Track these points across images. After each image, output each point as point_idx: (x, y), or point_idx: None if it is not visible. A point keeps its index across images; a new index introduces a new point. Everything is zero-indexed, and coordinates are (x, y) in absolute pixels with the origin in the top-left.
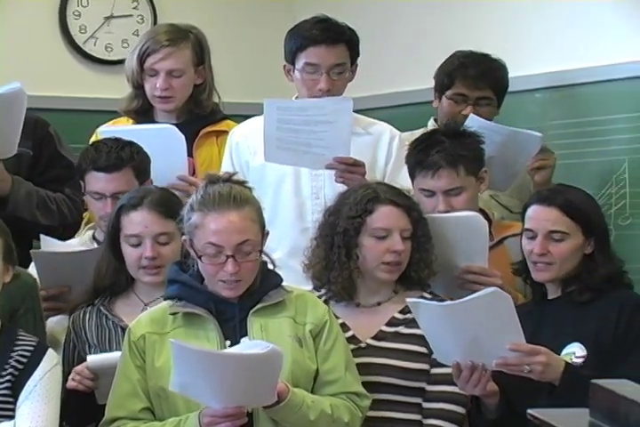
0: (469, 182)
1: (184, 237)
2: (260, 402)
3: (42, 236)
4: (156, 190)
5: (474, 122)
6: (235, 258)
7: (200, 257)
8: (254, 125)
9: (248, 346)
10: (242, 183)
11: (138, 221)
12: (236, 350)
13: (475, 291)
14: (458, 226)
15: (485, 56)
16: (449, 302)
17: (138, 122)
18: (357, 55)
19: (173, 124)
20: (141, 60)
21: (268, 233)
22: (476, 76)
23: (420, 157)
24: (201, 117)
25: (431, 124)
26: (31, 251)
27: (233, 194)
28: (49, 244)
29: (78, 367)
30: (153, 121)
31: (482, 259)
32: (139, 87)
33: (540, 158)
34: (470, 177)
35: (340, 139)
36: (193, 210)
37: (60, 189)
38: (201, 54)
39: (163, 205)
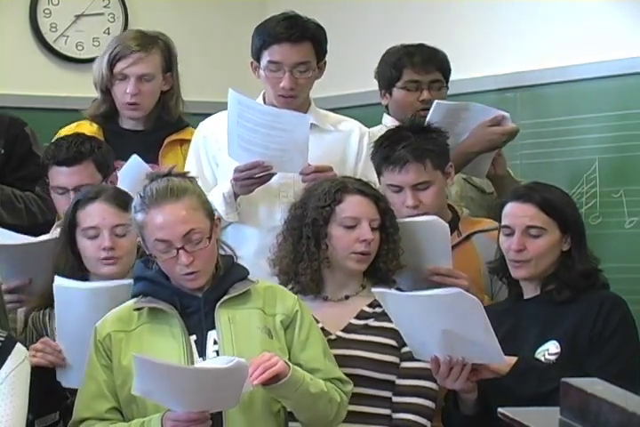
0: (436, 176)
1: (138, 239)
2: (224, 407)
3: None
4: (110, 187)
5: (440, 106)
6: (185, 249)
7: (152, 255)
8: (222, 121)
9: (215, 361)
10: (182, 175)
11: (95, 213)
12: (203, 364)
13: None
14: (419, 231)
15: (422, 43)
16: (414, 293)
17: (103, 126)
18: (324, 53)
19: (139, 130)
20: (111, 64)
21: (219, 219)
22: (423, 60)
23: (386, 153)
24: (167, 125)
25: (390, 121)
26: None
27: (170, 187)
28: (5, 236)
29: (41, 341)
30: (118, 125)
31: (446, 261)
32: (107, 92)
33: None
34: (437, 171)
35: (296, 144)
36: (136, 211)
37: (31, 187)
38: (169, 60)
39: (119, 199)
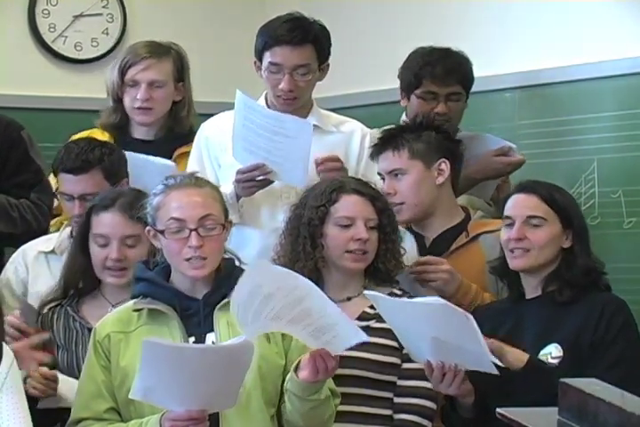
0: (413, 166)
1: (147, 228)
2: (222, 406)
3: None
4: (129, 193)
5: None
6: (198, 232)
7: (163, 232)
8: (225, 121)
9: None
10: (205, 179)
11: (107, 222)
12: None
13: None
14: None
15: (448, 50)
16: (403, 300)
17: (114, 136)
18: (327, 55)
19: (150, 140)
20: (122, 72)
21: (231, 222)
22: (443, 73)
23: (374, 146)
24: (178, 136)
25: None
26: None
27: (193, 180)
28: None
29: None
30: (130, 136)
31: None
32: (119, 101)
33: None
34: (416, 161)
35: (298, 153)
36: (155, 195)
37: (27, 194)
38: (182, 70)
39: (134, 208)
